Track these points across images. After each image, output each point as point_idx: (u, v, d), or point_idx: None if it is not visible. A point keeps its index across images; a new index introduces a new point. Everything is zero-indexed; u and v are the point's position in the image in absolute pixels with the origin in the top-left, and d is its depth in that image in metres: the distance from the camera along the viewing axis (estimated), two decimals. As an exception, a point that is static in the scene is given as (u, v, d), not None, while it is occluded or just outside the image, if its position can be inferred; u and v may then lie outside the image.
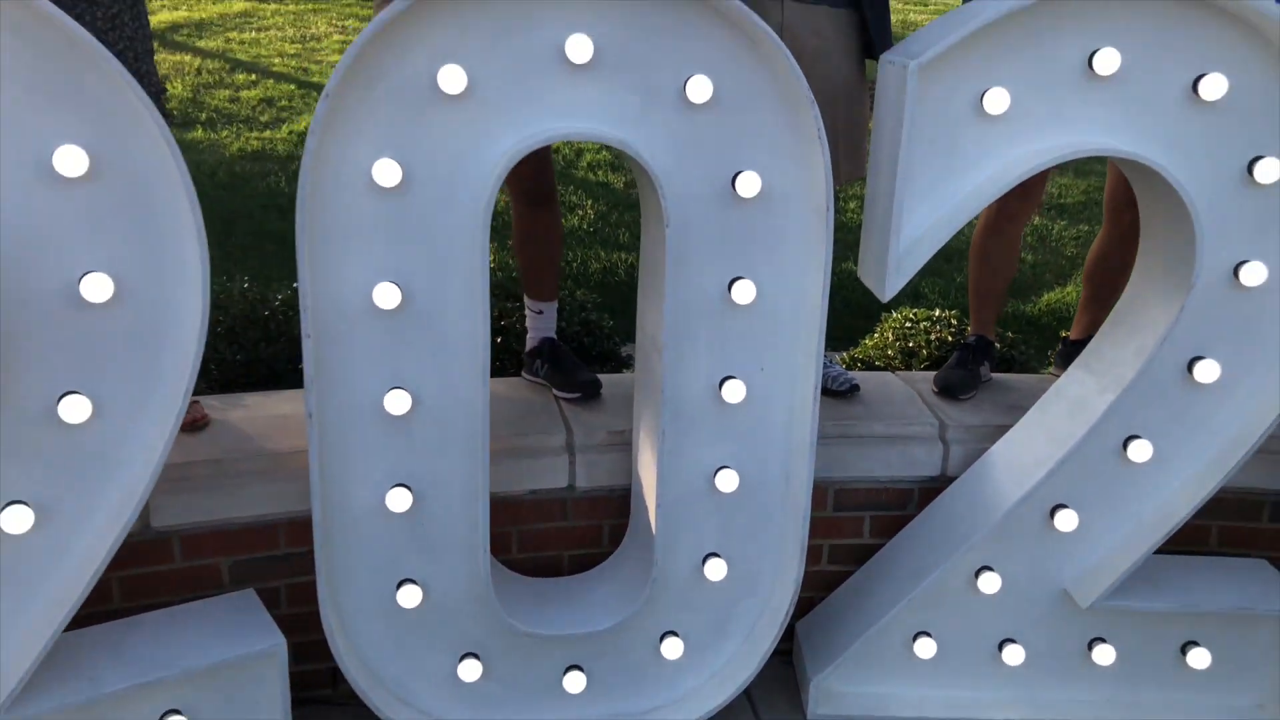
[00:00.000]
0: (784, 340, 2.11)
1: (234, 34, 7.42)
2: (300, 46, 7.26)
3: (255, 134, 5.69)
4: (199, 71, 6.57)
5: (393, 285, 1.91)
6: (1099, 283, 2.72)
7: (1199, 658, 2.36)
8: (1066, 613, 2.35)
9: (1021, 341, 3.44)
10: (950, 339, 3.30)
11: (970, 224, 2.72)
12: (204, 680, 1.99)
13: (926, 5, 10.28)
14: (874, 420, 2.55)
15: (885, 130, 2.01)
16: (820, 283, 2.05)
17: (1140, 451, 2.22)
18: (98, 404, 1.79)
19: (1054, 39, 1.96)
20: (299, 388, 2.70)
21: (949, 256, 4.76)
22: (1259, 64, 1.98)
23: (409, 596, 2.12)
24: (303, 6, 8.41)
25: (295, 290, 3.13)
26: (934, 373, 2.76)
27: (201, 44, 7.15)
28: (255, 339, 2.93)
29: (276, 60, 6.85)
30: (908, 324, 3.48)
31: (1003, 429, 2.46)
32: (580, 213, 5.08)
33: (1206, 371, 2.16)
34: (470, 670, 2.20)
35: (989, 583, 2.31)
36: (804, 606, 2.56)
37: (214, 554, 2.25)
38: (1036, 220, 5.49)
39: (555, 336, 2.62)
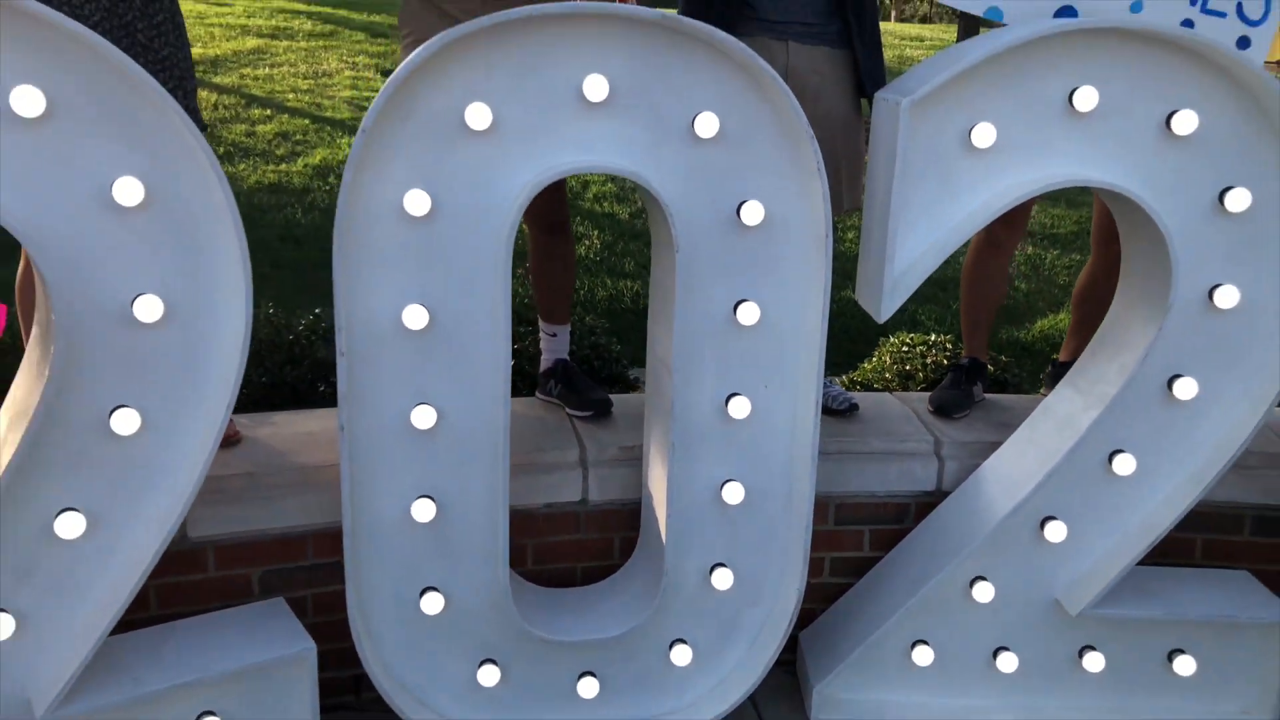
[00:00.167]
0: (786, 359, 2.24)
1: (248, 70, 7.62)
2: (312, 82, 7.46)
3: (272, 167, 5.85)
4: (215, 107, 6.76)
5: (421, 307, 2.05)
6: (1086, 309, 2.85)
7: (1185, 665, 2.47)
8: (1057, 621, 2.46)
9: (1015, 365, 3.56)
10: (945, 362, 3.43)
11: (962, 253, 2.87)
12: (238, 682, 2.10)
13: (923, 41, 10.51)
14: (872, 437, 2.67)
15: (880, 162, 2.15)
16: (820, 305, 2.19)
17: (1125, 465, 2.34)
18: (146, 417, 1.92)
19: (1037, 78, 2.11)
20: (322, 407, 2.84)
21: (944, 285, 4.90)
22: (1226, 101, 2.12)
23: (432, 603, 2.23)
24: (314, 44, 8.62)
25: (316, 316, 3.29)
26: (929, 393, 2.89)
27: (217, 80, 7.34)
28: (280, 362, 3.06)
29: (290, 96, 7.03)
30: (904, 348, 3.61)
31: (995, 445, 2.58)
32: (587, 242, 5.22)
33: (1185, 389, 2.29)
34: (489, 675, 2.31)
35: (983, 592, 2.43)
36: (806, 617, 2.67)
37: (246, 564, 2.36)
38: (1030, 250, 5.64)
39: (568, 358, 2.75)
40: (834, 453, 2.60)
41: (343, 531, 2.15)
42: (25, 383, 1.92)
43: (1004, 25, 2.47)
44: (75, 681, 1.95)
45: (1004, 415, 2.79)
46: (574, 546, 2.57)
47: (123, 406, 1.89)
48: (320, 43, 8.67)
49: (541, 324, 2.75)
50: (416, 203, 1.99)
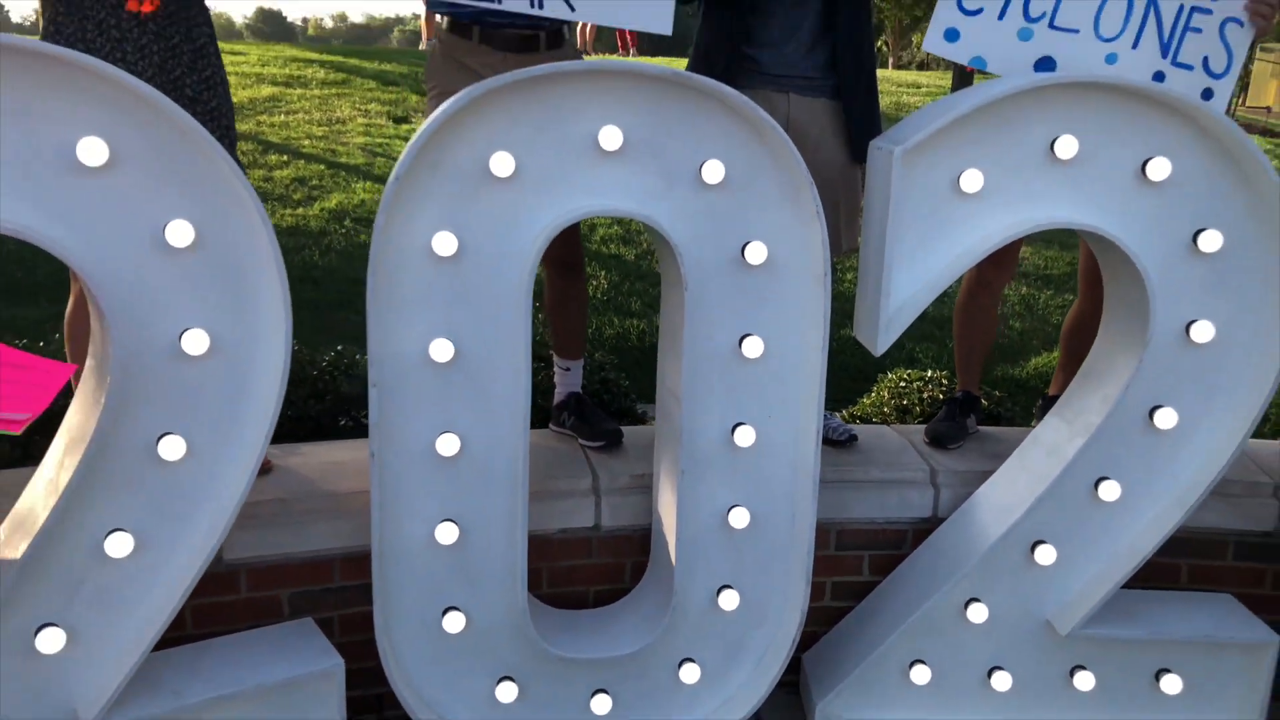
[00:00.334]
0: (789, 390, 2.38)
1: (264, 117, 7.84)
2: (327, 129, 7.68)
3: (289, 211, 6.03)
4: (232, 153, 6.94)
5: (447, 341, 2.19)
6: (1074, 345, 2.99)
7: (1171, 684, 2.58)
8: (1049, 641, 2.58)
9: (1009, 400, 3.70)
10: (941, 397, 3.57)
11: (956, 291, 3.02)
12: (271, 696, 2.21)
13: (919, 89, 10.77)
14: (871, 467, 2.80)
15: (875, 207, 2.30)
16: (820, 339, 2.33)
17: (1110, 491, 2.47)
18: (191, 444, 2.05)
19: (1020, 127, 2.27)
20: (345, 439, 2.98)
21: (940, 324, 5.05)
22: (1197, 149, 2.28)
23: (453, 622, 2.35)
24: (327, 91, 8.87)
25: (339, 352, 3.44)
26: (926, 426, 3.02)
27: (235, 126, 7.55)
28: (304, 396, 3.20)
29: (306, 142, 7.25)
30: (902, 384, 3.75)
31: (988, 474, 2.71)
32: (595, 282, 5.38)
33: (1166, 419, 2.43)
34: (507, 692, 2.42)
35: (977, 613, 2.54)
36: (809, 640, 2.78)
37: (276, 586, 2.49)
38: (1024, 290, 5.80)
39: (580, 391, 2.89)
40: (835, 481, 2.72)
41: (371, 553, 2.28)
42: (80, 410, 2.05)
43: (990, 73, 2.65)
44: (119, 694, 2.07)
45: (997, 446, 2.92)
46: (587, 571, 2.69)
47: (169, 434, 2.03)
48: (333, 90, 8.92)
49: (556, 359, 2.89)
50: (444, 244, 2.14)
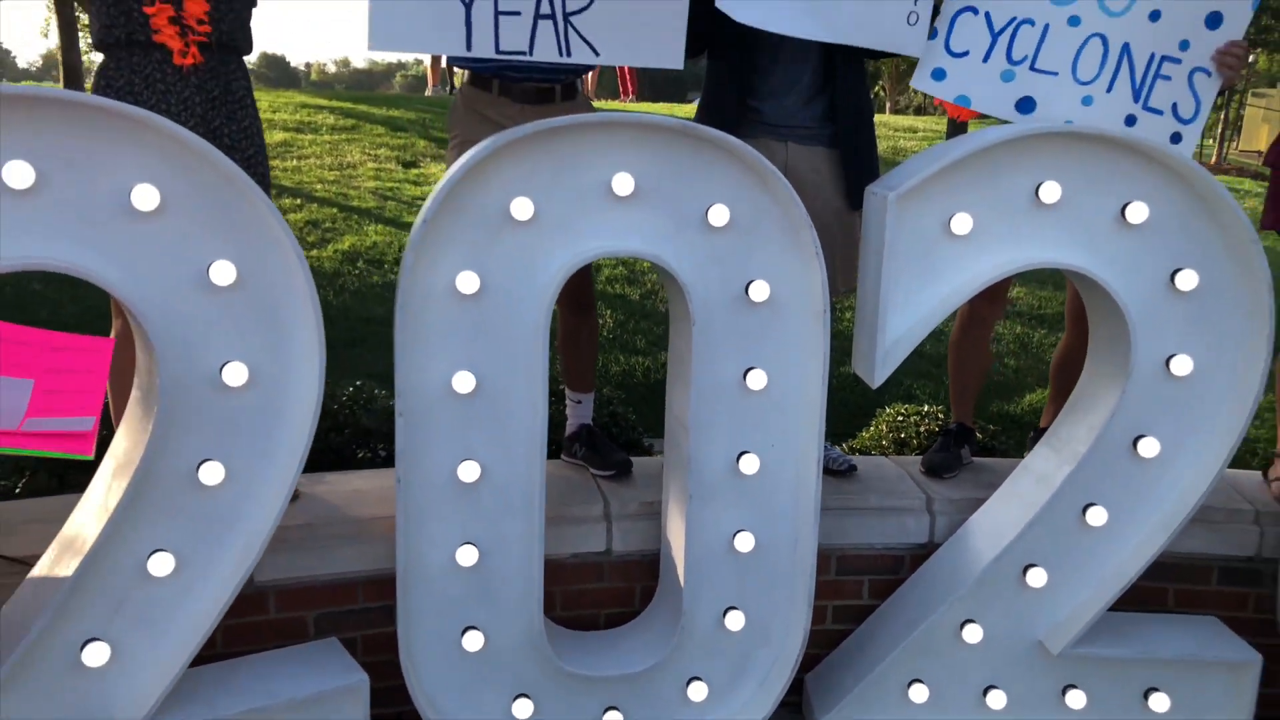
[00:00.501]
0: (791, 420, 2.51)
1: (276, 162, 8.05)
2: (338, 173, 7.88)
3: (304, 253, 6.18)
4: (245, 195, 7.12)
5: (469, 374, 2.33)
6: (1062, 378, 3.12)
7: (1160, 702, 2.68)
8: (1041, 661, 2.69)
9: (1003, 434, 3.83)
10: (937, 430, 3.70)
11: (950, 330, 3.16)
12: (299, 710, 2.32)
13: (915, 133, 11.01)
14: (870, 495, 2.93)
15: (871, 248, 2.45)
16: (820, 372, 2.47)
17: (1097, 517, 2.59)
18: (229, 470, 2.19)
19: (1007, 174, 2.42)
20: (366, 469, 3.11)
21: (937, 361, 5.19)
22: (1172, 194, 2.44)
23: (472, 641, 2.47)
24: (337, 137, 9.09)
25: (358, 387, 3.57)
26: (922, 456, 3.15)
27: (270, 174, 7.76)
28: (325, 429, 3.34)
29: (318, 186, 7.44)
30: (899, 418, 3.89)
31: (981, 501, 2.83)
32: (601, 321, 5.53)
33: (1148, 447, 2.56)
34: (523, 709, 2.53)
35: (972, 633, 2.66)
36: (811, 661, 2.89)
37: (303, 607, 2.60)
38: (1019, 329, 5.95)
39: (591, 423, 3.02)
40: (835, 508, 2.85)
41: (396, 574, 2.41)
42: (128, 437, 2.19)
43: (974, 109, 2.82)
44: (158, 706, 2.18)
45: (990, 476, 3.04)
46: (598, 594, 2.81)
47: (209, 460, 2.17)
48: (343, 136, 9.14)
49: (568, 392, 3.03)
50: (467, 283, 2.29)
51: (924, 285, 2.45)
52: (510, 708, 2.53)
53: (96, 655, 2.11)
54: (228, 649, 2.52)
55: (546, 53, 2.45)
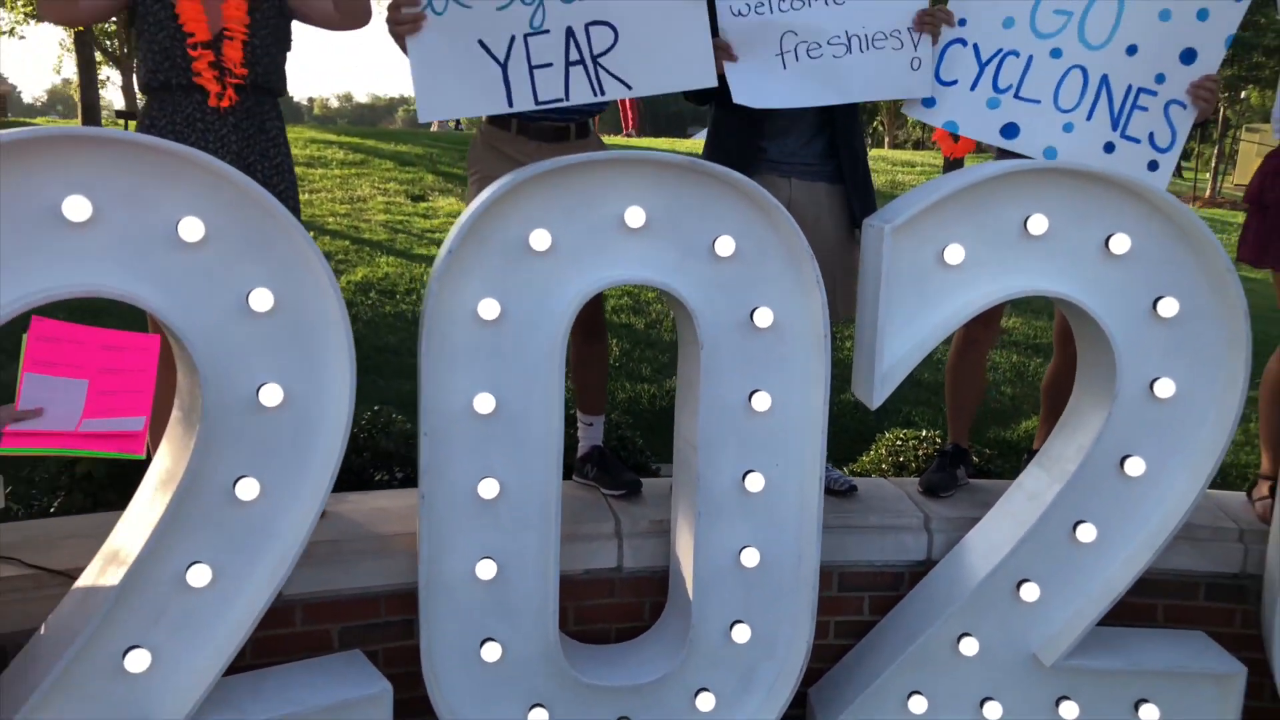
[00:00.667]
0: (794, 440, 2.64)
1: (288, 195, 8.22)
2: (349, 207, 8.06)
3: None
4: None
5: (489, 395, 2.47)
6: (1053, 400, 3.26)
7: (1150, 713, 2.79)
8: (1035, 673, 2.80)
9: (998, 458, 3.96)
10: (934, 453, 3.82)
11: (947, 357, 3.30)
12: (326, 716, 2.43)
13: (913, 167, 11.21)
14: (870, 514, 3.05)
15: (868, 277, 2.60)
16: (821, 394, 2.60)
17: (1087, 533, 2.72)
18: (264, 486, 2.31)
19: (997, 207, 2.57)
20: (385, 489, 3.23)
21: (935, 389, 5.33)
22: (1153, 227, 2.58)
23: (491, 652, 2.59)
24: (347, 171, 9.28)
25: (376, 412, 3.70)
26: (919, 477, 3.28)
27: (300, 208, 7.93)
28: (345, 451, 3.45)
29: (330, 219, 7.61)
30: (898, 442, 4.01)
31: (977, 520, 2.95)
32: (605, 351, 5.66)
33: (1135, 466, 2.68)
34: (539, 718, 2.64)
35: (969, 646, 2.77)
36: (814, 676, 2.99)
37: (328, 620, 2.72)
38: (1015, 358, 6.09)
39: (601, 444, 3.15)
40: (836, 526, 2.96)
41: (417, 588, 2.53)
42: (170, 455, 2.32)
43: (961, 134, 2.98)
44: (195, 712, 2.29)
45: (986, 496, 3.16)
46: (610, 609, 2.92)
47: (245, 476, 2.30)
48: (353, 170, 9.33)
49: (580, 415, 3.16)
50: (488, 309, 2.43)
51: (919, 312, 2.59)
52: (526, 717, 2.64)
53: (138, 662, 2.23)
54: (256, 660, 2.63)
55: (582, 95, 2.63)
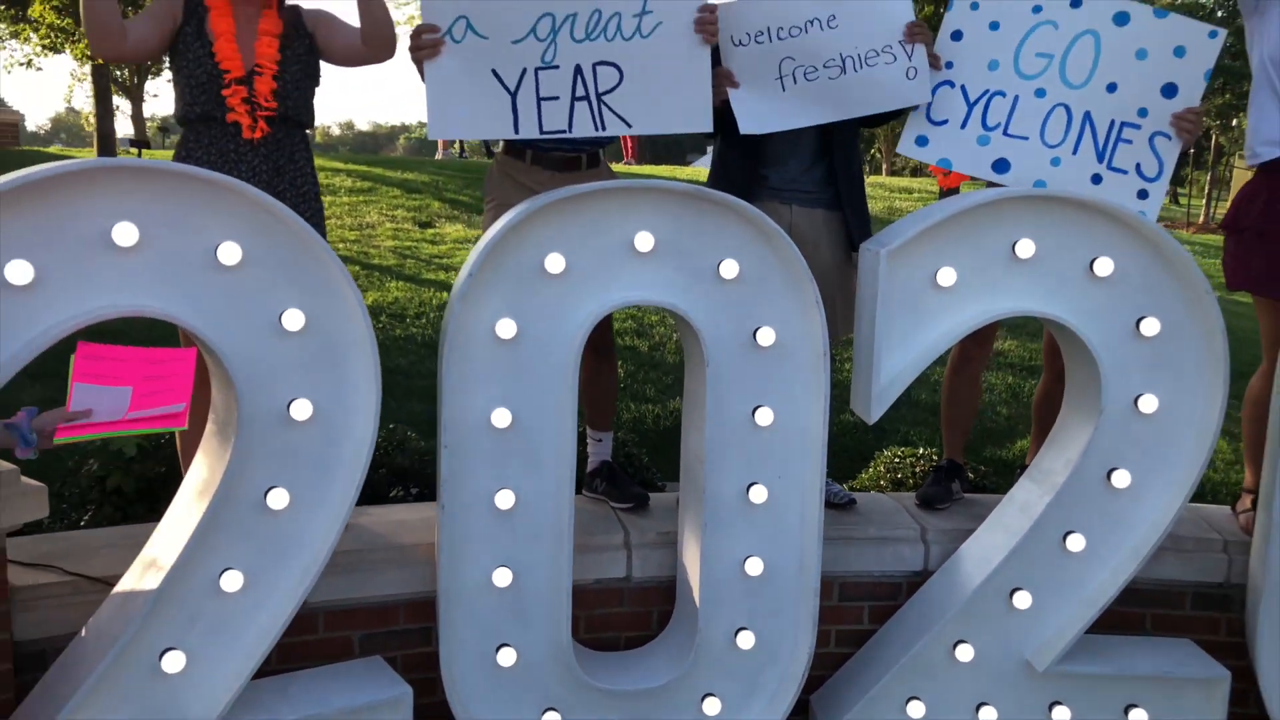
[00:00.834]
0: (795, 454, 2.77)
1: (297, 222, 8.38)
2: (358, 233, 8.22)
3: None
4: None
5: (506, 410, 2.60)
6: (1044, 417, 3.38)
7: (1139, 717, 2.90)
8: (1029, 678, 2.91)
9: (994, 475, 4.08)
10: (931, 469, 3.94)
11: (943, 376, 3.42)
12: (350, 718, 2.55)
13: (910, 194, 11.39)
14: (869, 526, 3.17)
15: (865, 298, 2.73)
16: (821, 410, 2.74)
17: (1076, 543, 2.84)
18: (293, 496, 2.44)
19: (987, 232, 2.71)
20: (399, 503, 3.35)
21: (932, 409, 5.45)
22: (1135, 250, 2.72)
23: (506, 657, 2.70)
24: (355, 199, 9.46)
25: (390, 430, 3.83)
26: (916, 491, 3.40)
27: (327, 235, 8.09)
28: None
29: (340, 246, 7.76)
30: (896, 460, 4.14)
31: (972, 532, 3.08)
32: (610, 374, 5.79)
33: (1121, 479, 2.81)
34: (551, 721, 2.75)
35: (964, 653, 2.88)
36: (816, 683, 3.10)
37: (348, 628, 2.83)
38: (1010, 379, 6.22)
39: (610, 460, 3.28)
40: (837, 538, 3.08)
41: (437, 593, 2.65)
42: (206, 467, 2.45)
43: (955, 170, 3.13)
44: (226, 712, 2.41)
45: (980, 509, 3.28)
46: (619, 618, 3.04)
47: (276, 487, 2.42)
48: (361, 198, 9.51)
49: (589, 431, 3.29)
50: (505, 329, 2.57)
51: (914, 332, 2.72)
52: (540, 719, 2.75)
53: (174, 663, 2.35)
54: (281, 666, 2.74)
55: (584, 129, 2.79)
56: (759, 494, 2.76)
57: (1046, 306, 2.74)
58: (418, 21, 2.77)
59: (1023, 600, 2.86)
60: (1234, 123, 21.64)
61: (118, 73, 12.33)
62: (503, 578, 2.67)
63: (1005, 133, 3.01)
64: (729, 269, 2.65)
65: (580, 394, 3.31)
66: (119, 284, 2.20)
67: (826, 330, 2.70)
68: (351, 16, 2.87)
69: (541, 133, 2.79)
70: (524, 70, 2.77)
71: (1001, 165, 3.03)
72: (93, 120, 22.73)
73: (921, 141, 3.08)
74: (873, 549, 3.14)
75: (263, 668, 2.62)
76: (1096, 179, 3.01)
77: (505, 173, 3.07)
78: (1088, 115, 2.98)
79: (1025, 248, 2.71)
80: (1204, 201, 23.30)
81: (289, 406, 2.41)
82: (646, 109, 2.83)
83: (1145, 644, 3.03)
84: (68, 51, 10.21)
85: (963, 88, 3.02)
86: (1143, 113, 3.00)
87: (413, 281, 7.05)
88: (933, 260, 2.70)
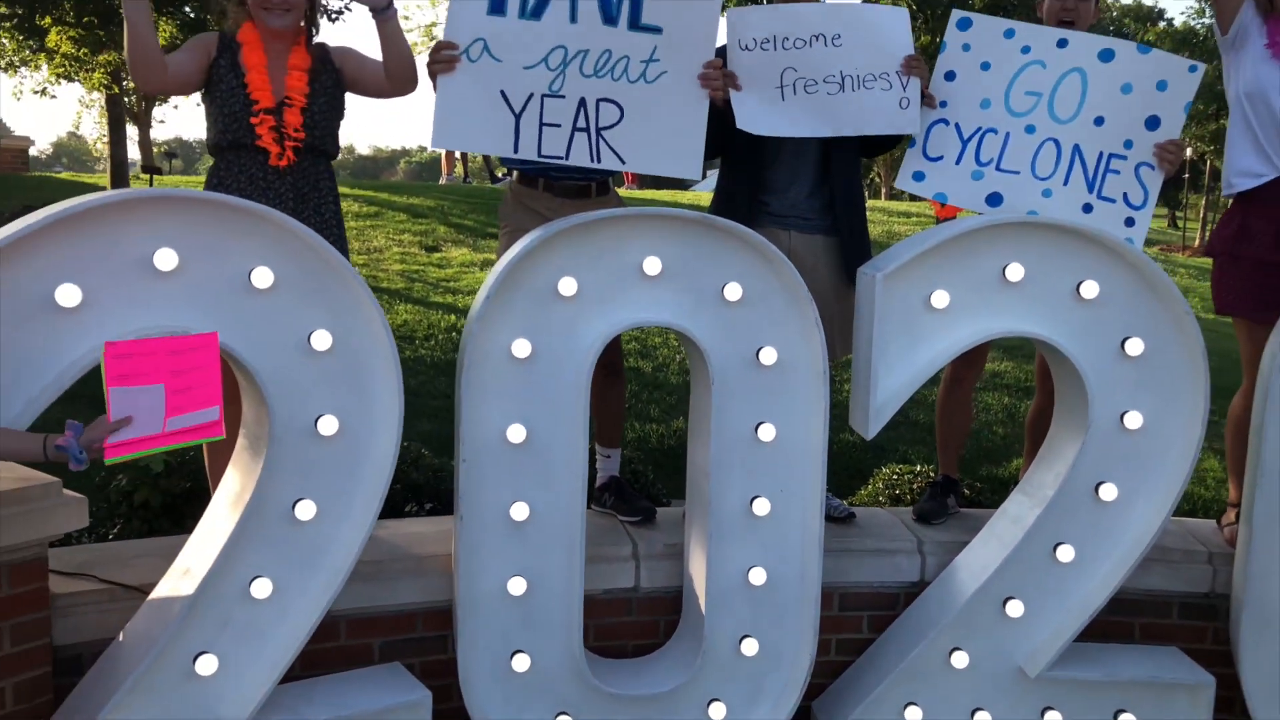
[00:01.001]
0: (796, 468, 2.90)
1: (306, 246, 8.55)
2: (366, 257, 8.38)
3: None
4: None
5: (521, 426, 2.73)
6: (1036, 434, 3.51)
7: (1128, 721, 3.02)
8: (1021, 684, 3.03)
9: (989, 491, 4.20)
10: (926, 485, 4.07)
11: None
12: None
13: (909, 218, 11.57)
14: (867, 538, 3.29)
15: (863, 320, 2.87)
16: (821, 425, 2.87)
17: (1066, 553, 2.96)
18: (320, 507, 2.57)
19: (978, 256, 2.85)
20: (415, 517, 3.48)
21: (931, 429, 5.58)
22: (1119, 273, 2.86)
23: (520, 663, 2.82)
24: (362, 223, 9.62)
25: (405, 447, 3.96)
26: (913, 506, 3.53)
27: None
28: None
29: (348, 268, 7.91)
30: (894, 477, 4.27)
31: (966, 543, 3.20)
32: (615, 394, 5.93)
33: (1108, 492, 2.94)
34: (563, 725, 2.87)
35: (959, 659, 3.00)
36: (817, 690, 3.22)
37: (369, 635, 2.95)
38: (1006, 400, 6.36)
39: (619, 475, 3.41)
40: (837, 550, 3.20)
41: (452, 604, 2.77)
42: (238, 479, 2.58)
43: (950, 204, 3.28)
44: (256, 713, 2.53)
45: (975, 523, 3.40)
46: (627, 627, 3.15)
47: (304, 498, 2.55)
48: (368, 223, 9.68)
49: (598, 447, 3.41)
50: (521, 348, 2.70)
51: (909, 351, 2.86)
52: (553, 723, 2.86)
53: (207, 665, 2.47)
54: (305, 671, 2.85)
55: (580, 158, 2.94)
56: (762, 506, 2.89)
57: (1036, 327, 2.88)
58: (428, 35, 2.92)
59: (1015, 609, 2.98)
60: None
61: (126, 99, 12.52)
62: (518, 586, 2.79)
63: (998, 168, 3.16)
64: (733, 292, 2.79)
65: (590, 411, 3.45)
66: (160, 306, 2.34)
67: (826, 350, 2.84)
68: (375, 52, 3.02)
69: (539, 155, 2.94)
70: (530, 95, 2.93)
71: (994, 199, 3.17)
72: (99, 146, 23.09)
73: (919, 177, 3.23)
74: (871, 561, 3.26)
75: (287, 673, 2.74)
76: (1087, 208, 3.15)
77: (519, 200, 3.22)
78: (1077, 148, 3.13)
79: (1015, 271, 2.85)
80: (1199, 225, 23.51)
81: (316, 422, 2.54)
82: (641, 148, 2.99)
83: (1134, 651, 3.15)
84: (79, 80, 10.43)
85: (957, 125, 3.17)
86: (1128, 144, 3.15)
87: (421, 304, 7.20)
88: (927, 283, 2.83)
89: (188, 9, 9.28)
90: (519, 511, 2.76)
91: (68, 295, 2.23)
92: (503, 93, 2.92)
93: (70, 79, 10.37)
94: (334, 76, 3.01)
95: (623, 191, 16.83)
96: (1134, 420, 2.92)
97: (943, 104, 3.17)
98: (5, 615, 2.43)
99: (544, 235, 2.69)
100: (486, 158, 14.83)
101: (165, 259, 2.33)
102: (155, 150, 15.69)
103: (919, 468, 4.34)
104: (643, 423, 5.47)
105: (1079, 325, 2.88)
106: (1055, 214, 3.12)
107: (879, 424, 2.85)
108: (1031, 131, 3.14)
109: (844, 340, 3.33)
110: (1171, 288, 2.84)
